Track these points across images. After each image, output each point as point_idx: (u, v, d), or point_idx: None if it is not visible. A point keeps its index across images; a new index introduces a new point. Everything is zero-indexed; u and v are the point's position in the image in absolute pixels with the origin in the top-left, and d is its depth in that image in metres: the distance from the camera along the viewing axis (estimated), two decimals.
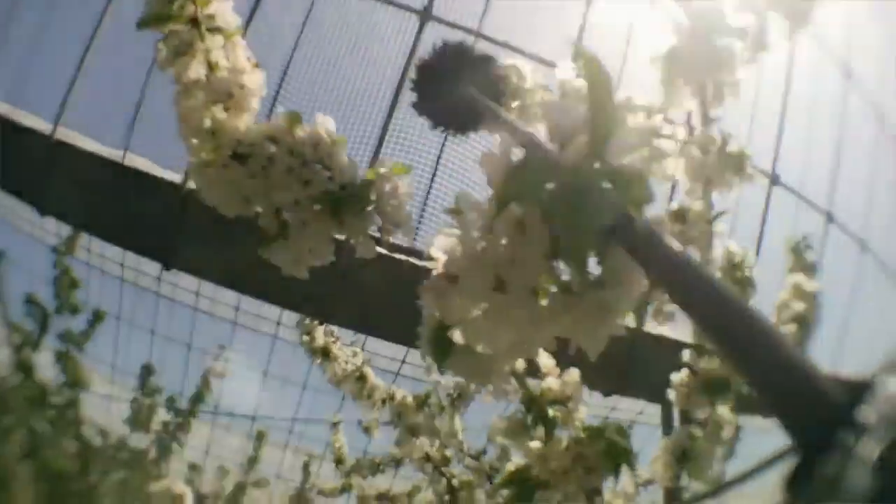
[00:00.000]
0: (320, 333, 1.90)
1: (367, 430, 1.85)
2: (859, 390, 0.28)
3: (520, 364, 0.77)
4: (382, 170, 0.64)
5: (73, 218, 4.19)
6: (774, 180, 5.22)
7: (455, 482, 2.04)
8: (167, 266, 4.26)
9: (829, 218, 5.53)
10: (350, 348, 1.98)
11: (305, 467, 3.51)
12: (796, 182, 5.41)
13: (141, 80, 4.48)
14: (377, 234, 0.67)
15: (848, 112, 5.60)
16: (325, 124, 0.64)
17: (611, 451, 0.77)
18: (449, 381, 2.10)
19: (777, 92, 5.11)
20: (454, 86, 0.99)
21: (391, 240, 0.68)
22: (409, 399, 1.84)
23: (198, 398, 3.67)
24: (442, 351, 0.49)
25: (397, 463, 2.13)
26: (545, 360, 0.81)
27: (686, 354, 1.11)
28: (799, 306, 1.23)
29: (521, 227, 0.42)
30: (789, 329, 1.22)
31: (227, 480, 4.07)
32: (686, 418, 1.08)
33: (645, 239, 0.41)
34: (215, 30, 0.68)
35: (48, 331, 3.86)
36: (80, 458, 3.81)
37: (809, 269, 1.31)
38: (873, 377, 0.29)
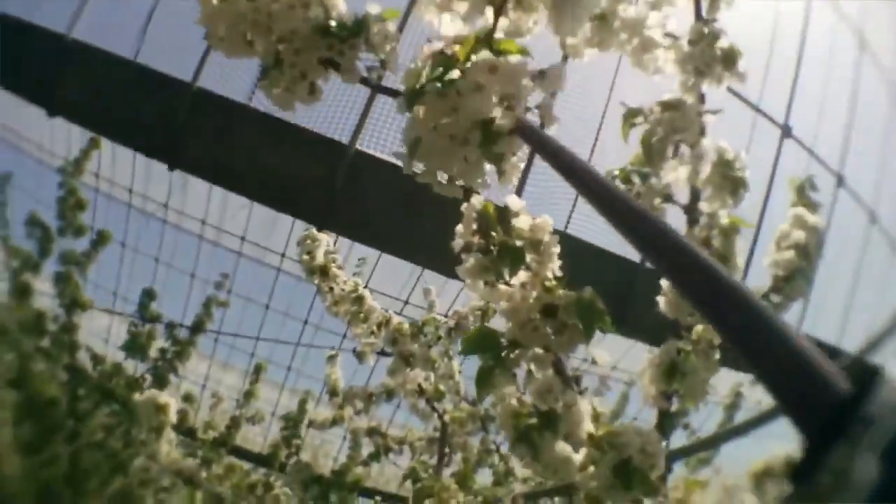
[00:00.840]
0: (321, 252, 1.84)
1: (360, 357, 1.79)
2: (865, 383, 0.29)
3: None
4: (374, 11, 0.65)
5: (82, 117, 4.18)
6: (787, 132, 5.13)
7: (447, 418, 1.99)
8: (171, 166, 4.25)
9: (840, 181, 5.43)
10: (352, 277, 1.92)
11: (301, 404, 3.46)
12: (808, 141, 5.36)
13: None
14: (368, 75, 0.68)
15: (861, 82, 5.52)
16: None
17: (584, 310, 0.69)
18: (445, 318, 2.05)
19: (792, 51, 5.06)
20: None
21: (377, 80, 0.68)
22: (406, 325, 1.78)
23: (198, 327, 3.63)
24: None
25: (389, 395, 2.07)
26: (515, 202, 0.74)
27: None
28: (799, 235, 1.17)
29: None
30: (788, 257, 1.16)
31: (221, 412, 4.04)
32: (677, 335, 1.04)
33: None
34: None
35: (50, 253, 3.83)
36: (70, 385, 3.79)
37: (812, 206, 1.26)
38: (877, 370, 0.29)
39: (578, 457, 0.73)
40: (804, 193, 1.31)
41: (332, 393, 2.32)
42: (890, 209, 5.68)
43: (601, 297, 0.71)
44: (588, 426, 0.72)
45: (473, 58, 0.59)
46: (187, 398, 3.79)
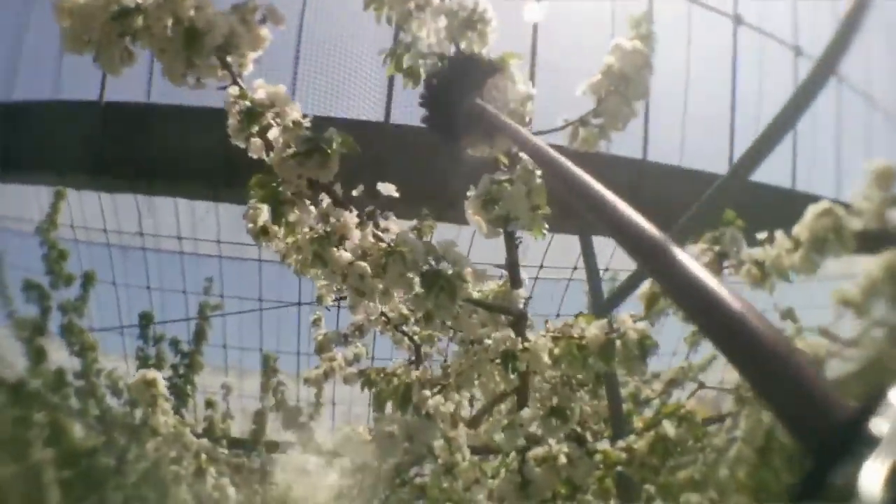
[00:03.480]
0: (263, 215, 1.97)
1: (319, 300, 1.94)
2: (870, 401, 0.29)
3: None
4: None
5: (26, 171, 4.35)
6: (738, 20, 5.26)
7: (417, 339, 2.12)
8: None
9: (798, 51, 5.55)
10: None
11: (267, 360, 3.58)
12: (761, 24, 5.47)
13: None
14: None
15: None
16: None
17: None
18: None
19: None
20: (461, 98, 1.07)
21: None
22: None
23: (200, 335, 3.79)
24: None
25: (360, 330, 2.21)
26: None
27: None
28: (614, 60, 1.25)
29: None
30: (603, 82, 1.25)
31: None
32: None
33: None
34: None
35: (50, 310, 3.98)
36: (103, 431, 3.94)
37: (646, 39, 1.33)
38: (882, 391, 0.29)
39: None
40: (639, 28, 1.40)
41: (321, 350, 2.46)
42: (851, 68, 5.78)
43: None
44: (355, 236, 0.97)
45: None
46: (209, 404, 3.95)
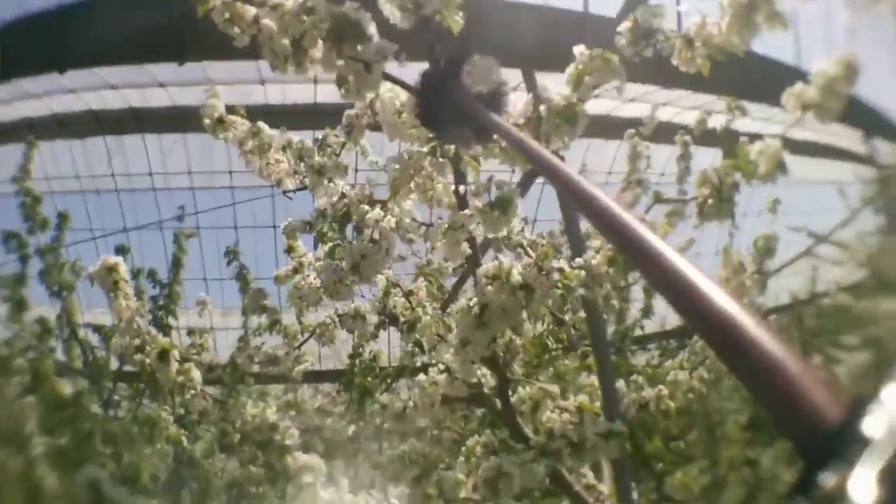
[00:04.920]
0: (217, 108, 1.95)
1: (278, 184, 1.93)
2: (862, 402, 0.29)
3: None
4: None
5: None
6: None
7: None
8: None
9: None
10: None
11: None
12: None
13: None
14: None
15: None
16: None
17: None
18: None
19: None
20: (457, 95, 1.06)
21: None
22: (306, 142, 1.91)
23: (176, 263, 3.79)
24: None
25: (323, 215, 2.20)
26: None
27: None
28: None
29: None
30: None
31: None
32: None
33: None
34: None
35: (28, 257, 3.97)
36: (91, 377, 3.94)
37: None
38: (873, 392, 0.29)
39: None
40: None
41: (289, 250, 2.46)
42: None
43: None
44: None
45: None
46: (191, 332, 3.92)
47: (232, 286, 3.75)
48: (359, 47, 1.08)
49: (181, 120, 5.23)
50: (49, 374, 3.98)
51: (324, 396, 4.79)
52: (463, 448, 2.12)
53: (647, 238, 0.48)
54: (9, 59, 4.55)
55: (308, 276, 2.34)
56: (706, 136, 3.16)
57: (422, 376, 1.53)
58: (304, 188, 2.07)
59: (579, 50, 1.24)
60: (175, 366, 1.75)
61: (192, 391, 1.78)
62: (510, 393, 1.53)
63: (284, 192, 2.12)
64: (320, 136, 2.04)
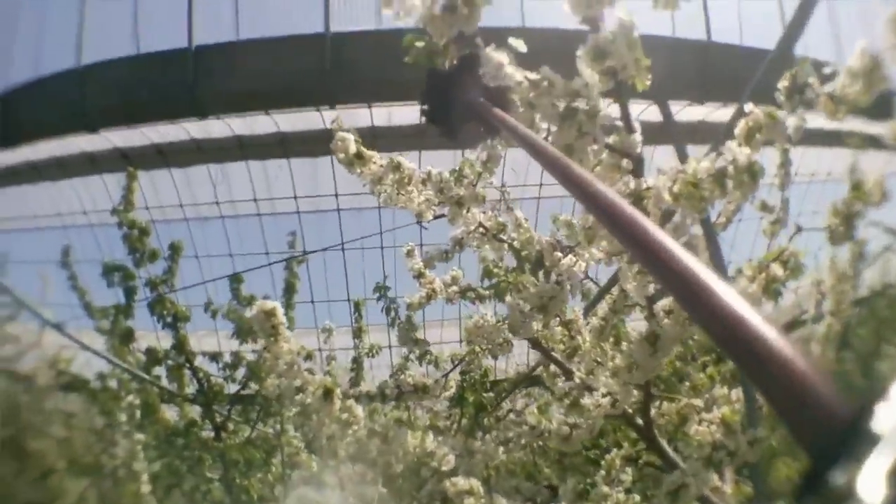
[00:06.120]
0: (352, 143, 1.96)
1: (419, 217, 1.95)
2: (868, 403, 0.29)
3: None
4: None
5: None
6: None
7: (516, 244, 2.13)
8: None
9: None
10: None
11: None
12: None
13: None
14: None
15: None
16: None
17: None
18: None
19: None
20: (462, 94, 1.09)
21: None
22: (444, 173, 1.92)
23: (290, 288, 3.82)
24: None
25: (460, 244, 2.22)
26: None
27: None
28: None
29: None
30: None
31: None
32: None
33: None
34: None
35: (136, 291, 4.01)
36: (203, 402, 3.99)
37: None
38: (882, 393, 0.29)
39: None
40: None
41: (419, 276, 2.49)
42: None
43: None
44: None
45: None
46: (308, 356, 3.98)
47: (339, 307, 3.80)
48: None
49: (285, 145, 5.31)
50: (157, 406, 4.06)
51: (427, 412, 4.81)
52: (602, 462, 2.12)
53: (658, 237, 0.48)
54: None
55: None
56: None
57: (586, 399, 1.56)
58: (442, 216, 2.09)
59: (749, 108, 1.28)
60: (338, 404, 1.78)
61: (356, 427, 1.81)
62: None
63: (420, 223, 2.13)
64: (457, 168, 2.06)
